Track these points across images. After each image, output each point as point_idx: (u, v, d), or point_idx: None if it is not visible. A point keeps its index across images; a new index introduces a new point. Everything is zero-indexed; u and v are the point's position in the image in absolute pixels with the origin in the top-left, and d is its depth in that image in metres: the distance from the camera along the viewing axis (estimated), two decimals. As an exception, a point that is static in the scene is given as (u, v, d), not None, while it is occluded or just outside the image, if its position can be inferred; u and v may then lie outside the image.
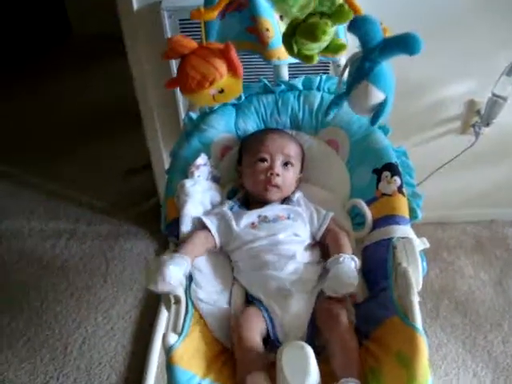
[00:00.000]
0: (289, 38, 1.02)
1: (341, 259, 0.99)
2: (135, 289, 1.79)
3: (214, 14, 1.02)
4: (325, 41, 0.99)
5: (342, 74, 1.06)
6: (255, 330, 0.95)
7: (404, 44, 0.92)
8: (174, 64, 1.42)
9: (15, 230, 2.07)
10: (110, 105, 2.74)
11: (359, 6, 1.00)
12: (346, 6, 0.97)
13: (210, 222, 1.09)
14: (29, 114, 2.85)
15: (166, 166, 1.29)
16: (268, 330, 0.97)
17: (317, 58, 1.03)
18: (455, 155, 1.69)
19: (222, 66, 0.97)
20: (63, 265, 1.91)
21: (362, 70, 0.98)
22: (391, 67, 0.99)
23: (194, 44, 0.98)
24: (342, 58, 1.22)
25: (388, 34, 0.97)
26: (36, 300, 1.77)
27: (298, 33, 0.99)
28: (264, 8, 1.11)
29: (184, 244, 1.04)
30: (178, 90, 1.44)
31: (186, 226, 1.08)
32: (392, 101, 1.01)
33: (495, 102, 1.51)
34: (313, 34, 0.96)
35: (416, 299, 0.90)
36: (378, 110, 1.02)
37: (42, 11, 3.40)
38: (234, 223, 1.09)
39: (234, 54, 0.97)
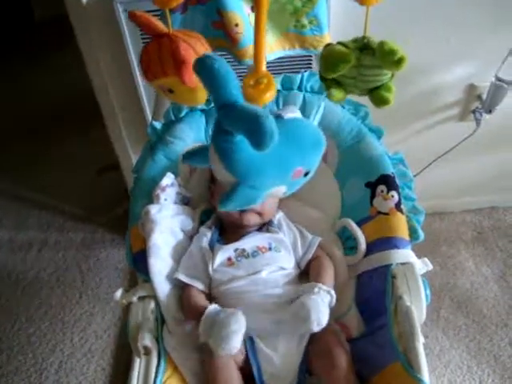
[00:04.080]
0: None
1: (316, 289, 0.86)
2: (113, 304, 1.65)
3: (178, 2, 0.83)
4: (340, 74, 0.79)
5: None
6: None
7: (246, 130, 0.60)
8: (135, 62, 1.25)
9: (-19, 242, 1.91)
10: (77, 98, 2.52)
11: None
12: (388, 46, 0.73)
13: (201, 283, 0.95)
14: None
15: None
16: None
17: (340, 96, 0.84)
18: (454, 143, 1.54)
19: (168, 64, 0.80)
20: (35, 279, 1.76)
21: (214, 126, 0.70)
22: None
23: (160, 28, 0.79)
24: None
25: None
26: (7, 321, 1.64)
27: (319, 58, 0.82)
28: (231, -1, 0.94)
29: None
30: (140, 86, 1.30)
31: (154, 259, 0.94)
32: (260, 196, 0.69)
33: (499, 86, 1.35)
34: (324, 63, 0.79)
35: (421, 345, 0.79)
36: (226, 192, 0.69)
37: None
38: (210, 263, 0.95)
39: (178, 55, 0.78)
